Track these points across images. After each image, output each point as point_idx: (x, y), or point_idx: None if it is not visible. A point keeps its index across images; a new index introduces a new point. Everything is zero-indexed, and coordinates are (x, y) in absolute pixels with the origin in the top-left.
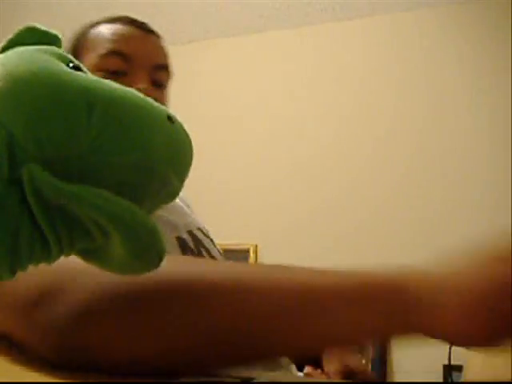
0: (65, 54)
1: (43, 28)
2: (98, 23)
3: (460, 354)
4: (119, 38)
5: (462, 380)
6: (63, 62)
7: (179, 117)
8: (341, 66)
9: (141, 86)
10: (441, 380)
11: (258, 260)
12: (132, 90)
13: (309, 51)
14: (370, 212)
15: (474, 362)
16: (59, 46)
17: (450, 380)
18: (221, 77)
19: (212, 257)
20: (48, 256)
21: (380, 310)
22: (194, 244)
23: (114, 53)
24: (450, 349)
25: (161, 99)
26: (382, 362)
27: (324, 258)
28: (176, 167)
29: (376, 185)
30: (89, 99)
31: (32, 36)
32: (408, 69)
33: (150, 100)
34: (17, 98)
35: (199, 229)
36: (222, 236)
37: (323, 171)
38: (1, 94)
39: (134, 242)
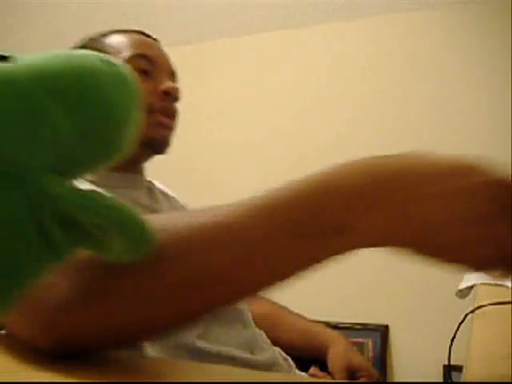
0: None
1: None
2: (106, 34)
3: (460, 354)
4: (142, 44)
5: (462, 380)
6: None
7: (179, 117)
8: (341, 65)
9: (170, 84)
10: (441, 380)
11: None
12: (60, 52)
13: (309, 51)
14: None
15: (474, 362)
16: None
17: (449, 380)
18: (221, 77)
19: None
20: (57, 258)
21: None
22: None
23: (140, 56)
24: (449, 349)
25: (180, 96)
26: (382, 361)
27: None
28: (125, 103)
29: None
30: (48, 91)
31: None
32: (408, 69)
33: (80, 52)
34: None
35: None
36: None
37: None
38: None
39: (130, 243)
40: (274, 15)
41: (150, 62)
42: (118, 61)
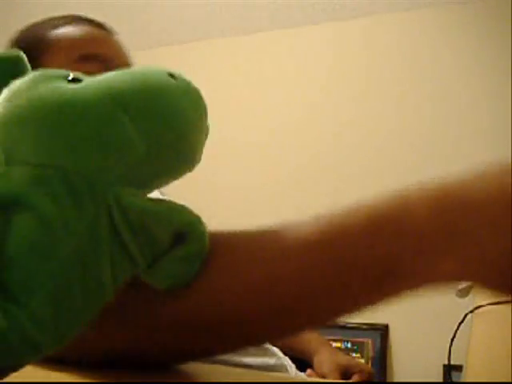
0: (56, 71)
1: (1, 54)
2: (56, 25)
3: (460, 354)
4: (92, 41)
5: (462, 380)
6: (63, 79)
7: None
8: (341, 65)
9: None
10: (441, 380)
11: None
12: (133, 70)
13: (309, 51)
14: None
15: (474, 362)
16: (22, 63)
17: (450, 380)
18: (221, 77)
19: None
20: (135, 270)
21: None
22: None
23: (89, 57)
24: (449, 349)
25: None
26: (382, 361)
27: None
28: (192, 121)
29: (377, 185)
30: (121, 105)
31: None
32: (408, 68)
33: (147, 68)
34: (55, 136)
35: None
36: None
37: (324, 171)
38: (36, 136)
39: (194, 248)
40: (273, 15)
41: (103, 63)
42: (183, 74)
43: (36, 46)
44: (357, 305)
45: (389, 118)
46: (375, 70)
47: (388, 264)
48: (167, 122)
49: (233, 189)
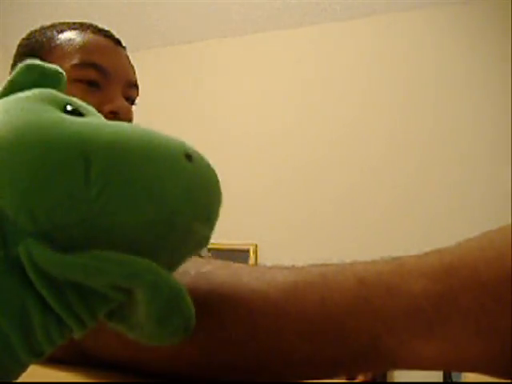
0: (62, 96)
1: (42, 65)
2: (63, 28)
3: None
4: (94, 49)
5: (462, 380)
6: (59, 106)
7: (180, 117)
8: (341, 65)
9: (119, 103)
10: (441, 380)
11: (258, 260)
12: (139, 127)
13: (309, 51)
14: (370, 211)
15: None
16: (58, 81)
17: (450, 380)
18: (221, 77)
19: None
20: (70, 332)
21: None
22: None
23: (89, 64)
24: None
25: (131, 116)
26: None
27: (324, 258)
28: (200, 214)
29: (377, 185)
30: (85, 153)
31: (30, 74)
32: (408, 68)
33: (162, 137)
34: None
35: None
36: (222, 236)
37: (323, 171)
38: None
39: (156, 304)
40: (273, 15)
41: (101, 73)
42: (207, 160)
43: (41, 47)
44: (331, 372)
45: (389, 118)
46: (375, 70)
47: (369, 341)
48: (135, 195)
49: (233, 189)
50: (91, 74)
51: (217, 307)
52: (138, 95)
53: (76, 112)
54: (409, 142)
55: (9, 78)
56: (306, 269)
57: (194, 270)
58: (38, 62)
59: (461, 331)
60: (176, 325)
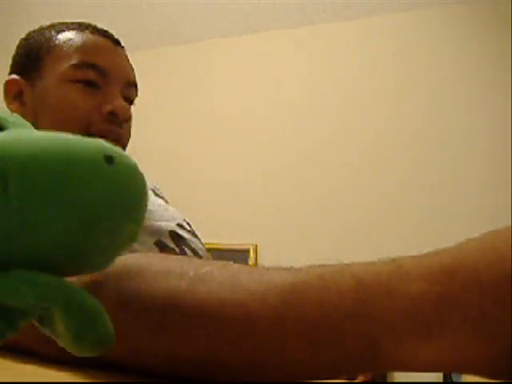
0: None
1: None
2: (62, 28)
3: None
4: (93, 50)
5: (462, 380)
6: None
7: (180, 116)
8: (341, 65)
9: (118, 103)
10: (441, 380)
11: (258, 260)
12: (57, 136)
13: (309, 51)
14: (369, 211)
15: None
16: None
17: (449, 380)
18: (221, 76)
19: (194, 251)
20: None
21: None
22: (176, 243)
23: (88, 65)
24: None
25: (131, 116)
26: None
27: (324, 258)
28: (125, 215)
29: (375, 185)
30: (1, 170)
31: None
32: (407, 68)
33: (79, 143)
34: None
35: (179, 225)
36: (222, 236)
37: (323, 171)
38: None
39: (69, 321)
40: (273, 15)
41: (100, 73)
42: (129, 159)
43: (40, 48)
44: (329, 374)
45: (387, 118)
46: (375, 70)
47: (368, 343)
48: (54, 204)
49: (233, 189)
50: (90, 75)
51: (215, 308)
52: (136, 95)
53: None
54: (409, 142)
55: None
56: (304, 270)
57: (192, 271)
58: None
59: (460, 333)
60: (91, 340)
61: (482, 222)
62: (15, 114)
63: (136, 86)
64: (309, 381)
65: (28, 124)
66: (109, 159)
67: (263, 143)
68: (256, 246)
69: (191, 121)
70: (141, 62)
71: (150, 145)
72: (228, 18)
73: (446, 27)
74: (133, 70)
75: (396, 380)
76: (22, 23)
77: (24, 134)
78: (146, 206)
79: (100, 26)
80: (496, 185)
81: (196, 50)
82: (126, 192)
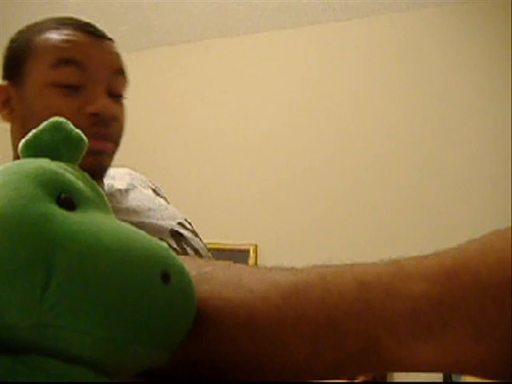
0: (62, 180)
1: (68, 129)
2: (42, 29)
3: None
4: (70, 45)
5: (462, 380)
6: (54, 193)
7: (180, 116)
8: (341, 65)
9: (100, 103)
10: (441, 380)
11: (258, 260)
12: (123, 236)
13: (309, 51)
14: (370, 212)
15: None
16: (81, 149)
17: (450, 380)
18: (221, 77)
19: (196, 250)
20: None
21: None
22: (177, 242)
23: (65, 61)
24: None
25: (120, 113)
26: None
27: (324, 258)
28: (152, 343)
29: (376, 186)
30: (49, 259)
31: (56, 135)
32: (408, 68)
33: (141, 251)
34: None
35: (180, 223)
36: (222, 236)
37: (324, 172)
38: None
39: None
40: (273, 15)
41: (79, 68)
42: (187, 278)
43: (23, 51)
44: (330, 374)
45: (388, 119)
46: (375, 70)
47: (369, 343)
48: (88, 314)
49: (233, 189)
50: (69, 74)
51: (217, 308)
52: (126, 84)
53: (69, 201)
54: (409, 142)
55: (35, 131)
56: (305, 270)
57: (195, 270)
58: (65, 123)
59: (460, 334)
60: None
61: (482, 222)
62: (83, 173)
63: (123, 73)
64: (310, 380)
65: (102, 202)
66: (166, 277)
67: (263, 143)
68: (256, 246)
69: (191, 121)
70: (141, 62)
71: (149, 144)
72: (228, 17)
73: (447, 27)
74: (119, 57)
75: (396, 380)
76: (22, 23)
77: (89, 223)
78: (184, 331)
79: (100, 26)
80: (496, 185)
81: (196, 49)
82: (167, 319)
